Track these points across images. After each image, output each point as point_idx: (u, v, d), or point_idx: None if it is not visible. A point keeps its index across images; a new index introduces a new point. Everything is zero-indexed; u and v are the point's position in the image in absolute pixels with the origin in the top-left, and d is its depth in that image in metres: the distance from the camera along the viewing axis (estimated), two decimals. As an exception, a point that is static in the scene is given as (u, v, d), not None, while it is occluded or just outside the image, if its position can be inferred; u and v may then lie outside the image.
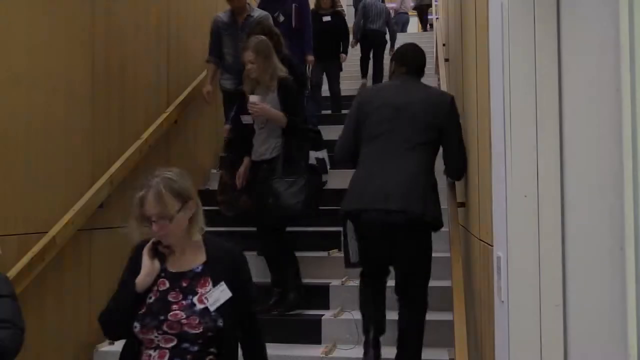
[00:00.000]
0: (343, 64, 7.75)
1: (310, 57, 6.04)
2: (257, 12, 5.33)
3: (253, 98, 3.92)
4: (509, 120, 1.74)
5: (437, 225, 3.30)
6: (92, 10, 4.06)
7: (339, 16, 7.43)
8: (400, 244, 3.23)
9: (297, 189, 3.92)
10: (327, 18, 7.20)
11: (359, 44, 8.80)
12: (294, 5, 5.86)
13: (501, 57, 1.79)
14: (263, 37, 4.19)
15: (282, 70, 4.13)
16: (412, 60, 3.49)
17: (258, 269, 4.53)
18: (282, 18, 5.76)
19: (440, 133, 3.28)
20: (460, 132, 3.36)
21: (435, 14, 10.99)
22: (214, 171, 5.83)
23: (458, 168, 3.39)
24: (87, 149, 4.02)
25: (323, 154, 4.25)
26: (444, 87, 6.00)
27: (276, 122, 4.03)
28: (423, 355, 3.70)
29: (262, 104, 3.96)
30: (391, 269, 3.46)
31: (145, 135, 4.61)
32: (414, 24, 14.47)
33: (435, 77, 8.65)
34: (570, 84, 1.62)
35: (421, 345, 3.37)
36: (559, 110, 1.67)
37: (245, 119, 4.22)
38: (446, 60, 6.31)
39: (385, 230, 3.17)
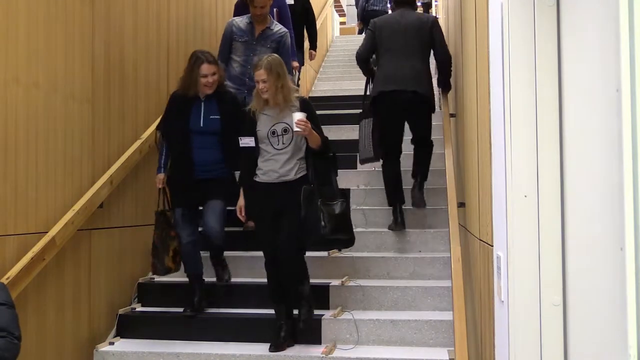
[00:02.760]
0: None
1: (295, 63, 5.66)
2: (277, 27, 5.04)
3: (299, 115, 3.71)
4: (509, 120, 1.74)
5: (433, 103, 4.93)
6: (92, 10, 4.06)
7: None
8: (413, 114, 4.87)
9: (341, 212, 3.86)
10: (289, 1, 6.16)
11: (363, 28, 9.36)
12: (274, 9, 5.50)
13: (501, 57, 1.79)
14: (275, 55, 4.04)
15: (295, 90, 4.01)
16: None
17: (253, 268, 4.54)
18: None
19: (430, 39, 4.91)
20: (443, 38, 5.02)
21: (436, 14, 11.00)
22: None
23: (444, 60, 5.02)
24: (87, 149, 4.02)
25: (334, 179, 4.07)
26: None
27: (313, 142, 3.86)
28: (423, 356, 3.72)
29: (308, 122, 3.76)
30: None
31: (145, 135, 4.61)
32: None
33: (435, 77, 8.65)
34: (570, 84, 1.62)
35: (429, 166, 5.06)
36: (559, 109, 1.67)
37: (245, 142, 3.95)
38: (446, 60, 6.30)
39: (404, 105, 4.77)
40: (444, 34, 5.84)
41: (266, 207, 3.90)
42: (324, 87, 9.22)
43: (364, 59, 5.09)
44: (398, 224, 4.82)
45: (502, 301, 1.78)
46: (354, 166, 5.98)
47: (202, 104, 4.18)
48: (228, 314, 4.25)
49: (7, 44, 3.32)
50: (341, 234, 3.87)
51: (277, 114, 3.87)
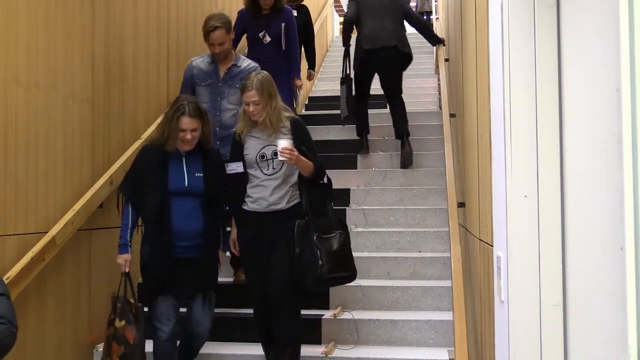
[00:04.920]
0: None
1: (299, 82, 5.38)
2: (245, 62, 4.40)
3: (284, 143, 3.37)
4: (509, 120, 1.74)
5: (410, 58, 5.99)
6: (92, 10, 4.06)
7: (305, 12, 6.08)
8: (392, 68, 5.94)
9: (339, 246, 3.46)
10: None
11: None
12: (282, 24, 5.14)
13: (501, 57, 1.79)
14: (265, 72, 3.65)
15: (287, 110, 3.64)
16: None
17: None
18: (268, 39, 5.14)
19: (404, 13, 6.01)
20: (415, 13, 6.44)
21: (435, 14, 11.01)
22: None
23: (418, 21, 6.44)
24: (87, 149, 4.02)
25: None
26: (443, 87, 6.02)
27: (304, 169, 3.50)
28: (423, 356, 3.72)
29: (295, 150, 3.41)
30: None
31: (145, 135, 4.61)
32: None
33: (435, 77, 8.67)
34: (570, 84, 1.62)
35: (407, 117, 6.00)
36: (559, 110, 1.67)
37: (232, 168, 3.59)
38: (446, 60, 6.32)
39: (386, 59, 5.82)
40: (444, 33, 5.96)
41: (256, 240, 3.53)
42: (324, 87, 9.23)
43: (352, 21, 6.06)
44: (364, 149, 6.06)
45: (502, 301, 1.78)
46: (354, 166, 5.98)
47: (184, 159, 3.50)
48: (229, 314, 4.25)
49: (7, 44, 3.32)
50: (341, 271, 3.49)
51: (267, 136, 3.53)
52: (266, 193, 3.51)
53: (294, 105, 5.25)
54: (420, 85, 8.82)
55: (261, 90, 3.47)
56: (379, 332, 3.94)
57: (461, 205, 3.85)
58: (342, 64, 6.17)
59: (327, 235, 3.45)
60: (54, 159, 3.69)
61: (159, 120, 4.48)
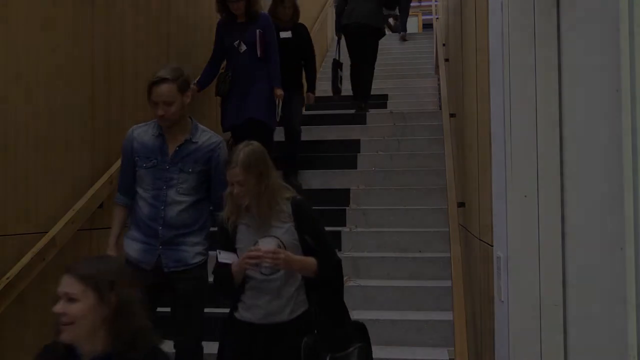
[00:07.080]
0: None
1: (280, 92, 4.94)
2: (205, 136, 3.26)
3: (265, 243, 2.61)
4: (509, 120, 1.74)
5: (383, 32, 7.18)
6: (92, 11, 4.06)
7: (301, 31, 5.79)
8: (366, 39, 6.94)
9: None
10: (286, 34, 5.55)
11: None
12: (257, 31, 4.88)
13: (501, 57, 1.79)
14: (256, 143, 2.76)
15: (287, 188, 2.79)
16: None
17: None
18: (243, 47, 4.90)
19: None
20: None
21: (435, 14, 11.02)
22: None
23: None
24: (87, 149, 4.02)
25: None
26: (443, 87, 6.02)
27: (304, 271, 2.66)
28: (423, 356, 3.72)
29: (283, 251, 2.58)
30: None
31: (145, 135, 4.61)
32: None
33: (435, 77, 8.68)
34: (570, 84, 1.62)
35: (371, 78, 7.28)
36: (559, 110, 1.68)
37: (224, 257, 2.70)
38: (446, 60, 6.32)
39: (360, 33, 6.86)
40: (443, 33, 5.92)
41: (247, 354, 2.68)
42: (324, 87, 9.22)
43: (340, 4, 7.20)
44: (360, 108, 7.04)
45: (502, 301, 1.78)
46: (354, 166, 5.98)
47: None
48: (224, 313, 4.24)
49: (7, 44, 3.32)
50: None
51: (261, 224, 2.69)
52: (263, 299, 2.67)
53: (277, 119, 5.01)
54: (420, 85, 8.82)
55: (247, 167, 2.64)
56: (379, 332, 3.93)
57: (461, 205, 3.85)
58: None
59: (343, 352, 2.67)
60: (54, 159, 3.69)
61: None
